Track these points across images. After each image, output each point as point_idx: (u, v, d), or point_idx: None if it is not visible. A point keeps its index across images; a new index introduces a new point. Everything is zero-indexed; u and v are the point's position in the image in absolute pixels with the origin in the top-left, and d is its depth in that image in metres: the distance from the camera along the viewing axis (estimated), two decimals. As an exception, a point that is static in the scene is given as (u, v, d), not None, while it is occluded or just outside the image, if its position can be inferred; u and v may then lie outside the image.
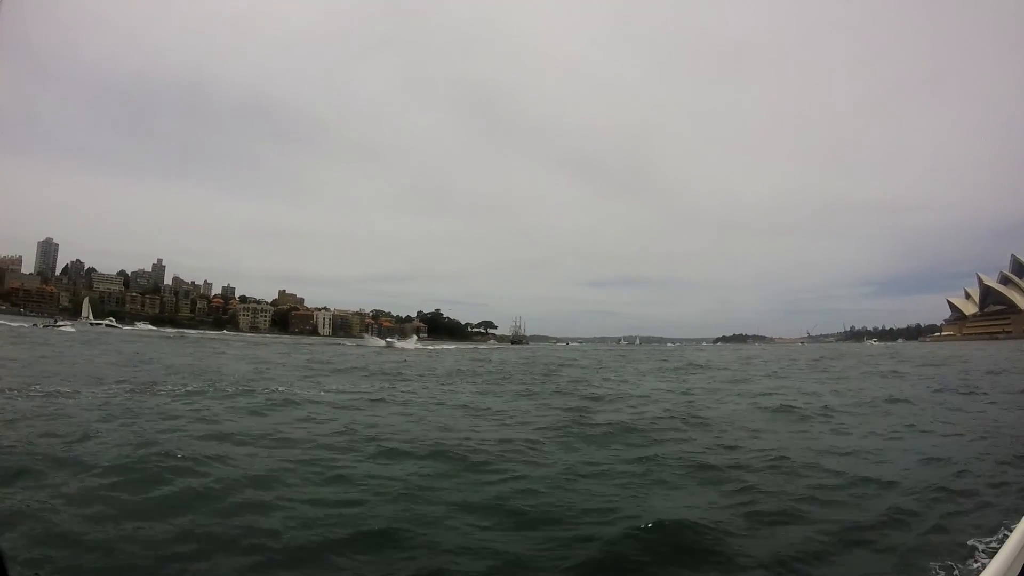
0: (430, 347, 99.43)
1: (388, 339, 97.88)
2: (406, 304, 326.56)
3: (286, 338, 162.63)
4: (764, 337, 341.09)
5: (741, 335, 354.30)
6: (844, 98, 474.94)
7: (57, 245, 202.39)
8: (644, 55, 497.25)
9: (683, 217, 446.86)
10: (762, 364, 56.75)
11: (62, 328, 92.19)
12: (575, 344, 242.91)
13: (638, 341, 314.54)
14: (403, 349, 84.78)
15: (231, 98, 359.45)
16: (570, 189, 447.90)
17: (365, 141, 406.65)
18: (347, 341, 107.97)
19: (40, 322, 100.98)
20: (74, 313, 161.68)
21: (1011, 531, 3.14)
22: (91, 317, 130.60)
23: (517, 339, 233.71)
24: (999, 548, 2.52)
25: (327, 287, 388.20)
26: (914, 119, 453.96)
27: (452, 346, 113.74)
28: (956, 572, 6.47)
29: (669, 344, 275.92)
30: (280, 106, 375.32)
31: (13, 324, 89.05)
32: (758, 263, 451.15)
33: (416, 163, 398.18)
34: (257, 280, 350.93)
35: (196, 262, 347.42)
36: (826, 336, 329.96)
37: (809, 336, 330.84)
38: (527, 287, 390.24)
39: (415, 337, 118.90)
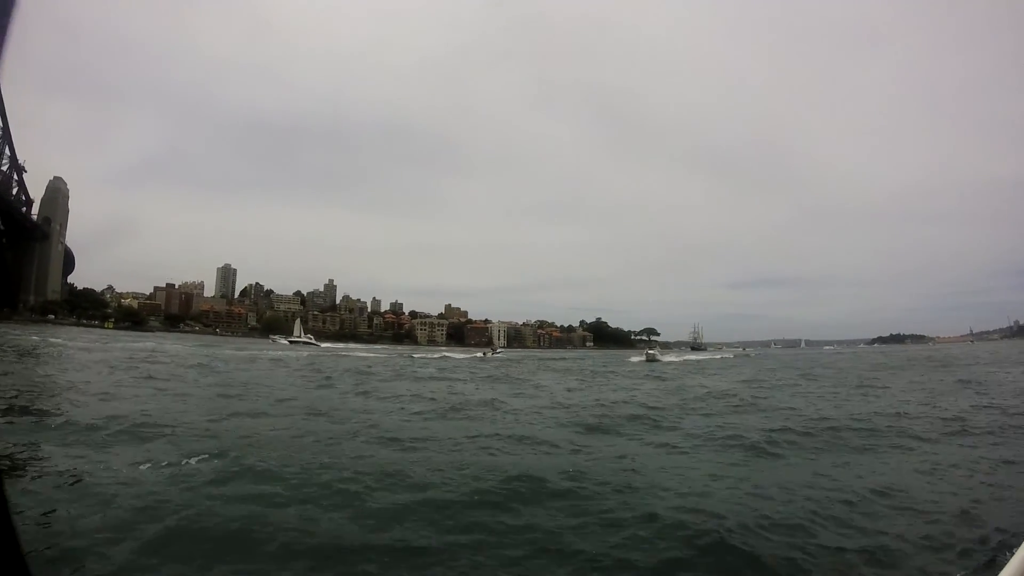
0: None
1: (649, 351, 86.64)
2: (544, 312, 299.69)
3: (537, 352, 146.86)
4: (923, 337, 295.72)
5: (898, 335, 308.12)
6: (986, 64, 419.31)
7: (235, 270, 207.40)
8: (765, 42, 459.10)
9: (821, 211, 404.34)
10: None
11: (499, 355, 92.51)
12: (751, 350, 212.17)
13: (803, 344, 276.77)
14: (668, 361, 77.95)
15: (366, 125, 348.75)
16: (702, 188, 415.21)
17: (496, 154, 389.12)
18: (635, 357, 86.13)
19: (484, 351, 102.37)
20: (264, 331, 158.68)
21: None
22: (301, 335, 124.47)
23: (697, 346, 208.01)
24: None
25: (467, 299, 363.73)
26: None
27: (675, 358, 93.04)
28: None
29: (827, 347, 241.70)
30: (412, 128, 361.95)
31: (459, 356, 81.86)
32: (903, 255, 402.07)
33: (547, 172, 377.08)
34: (402, 294, 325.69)
35: (348, 280, 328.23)
36: (989, 333, 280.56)
37: (972, 333, 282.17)
38: (663, 291, 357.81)
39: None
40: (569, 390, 29.05)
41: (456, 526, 7.21)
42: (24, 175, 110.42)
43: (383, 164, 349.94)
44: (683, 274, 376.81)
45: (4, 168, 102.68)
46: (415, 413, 17.85)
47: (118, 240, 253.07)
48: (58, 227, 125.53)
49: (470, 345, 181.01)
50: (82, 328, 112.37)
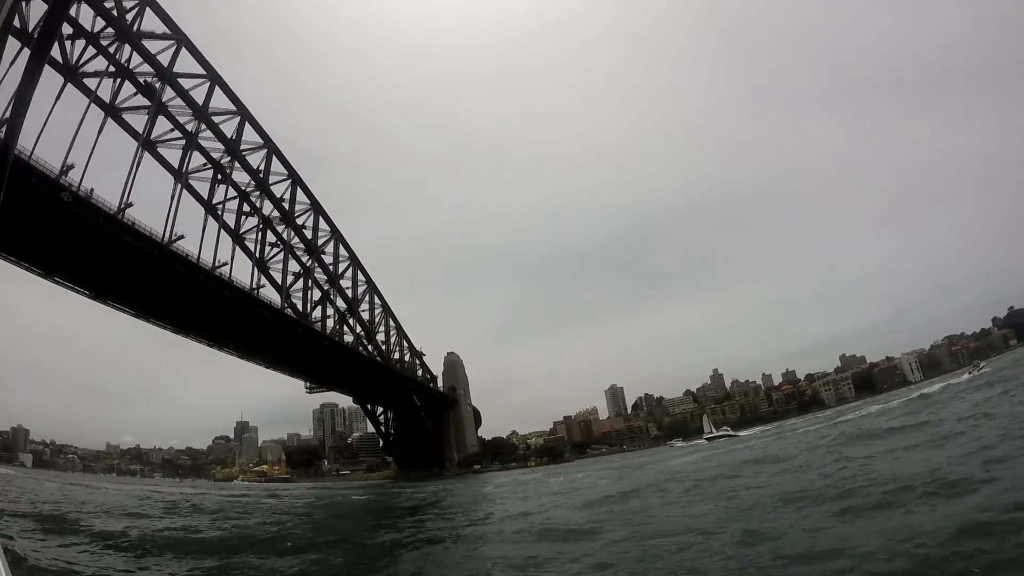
0: None
1: None
2: (936, 329, 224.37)
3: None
4: None
5: None
6: None
7: (622, 388, 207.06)
8: None
9: None
10: None
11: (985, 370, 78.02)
12: None
13: None
14: None
15: (673, 210, 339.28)
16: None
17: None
18: None
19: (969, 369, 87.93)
20: (667, 438, 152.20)
21: None
22: (713, 430, 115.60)
23: None
24: None
25: (850, 343, 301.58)
26: None
27: None
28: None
29: None
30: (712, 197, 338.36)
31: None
32: None
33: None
34: (789, 359, 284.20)
35: (732, 363, 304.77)
36: None
37: None
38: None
39: None
40: None
41: None
42: (424, 358, 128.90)
43: (711, 242, 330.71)
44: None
45: (407, 358, 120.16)
46: None
47: (507, 390, 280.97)
48: (462, 392, 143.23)
49: (884, 390, 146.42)
50: (512, 469, 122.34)
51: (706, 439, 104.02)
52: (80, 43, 48.48)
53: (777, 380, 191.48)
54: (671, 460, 54.77)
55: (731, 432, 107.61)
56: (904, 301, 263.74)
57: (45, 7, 37.88)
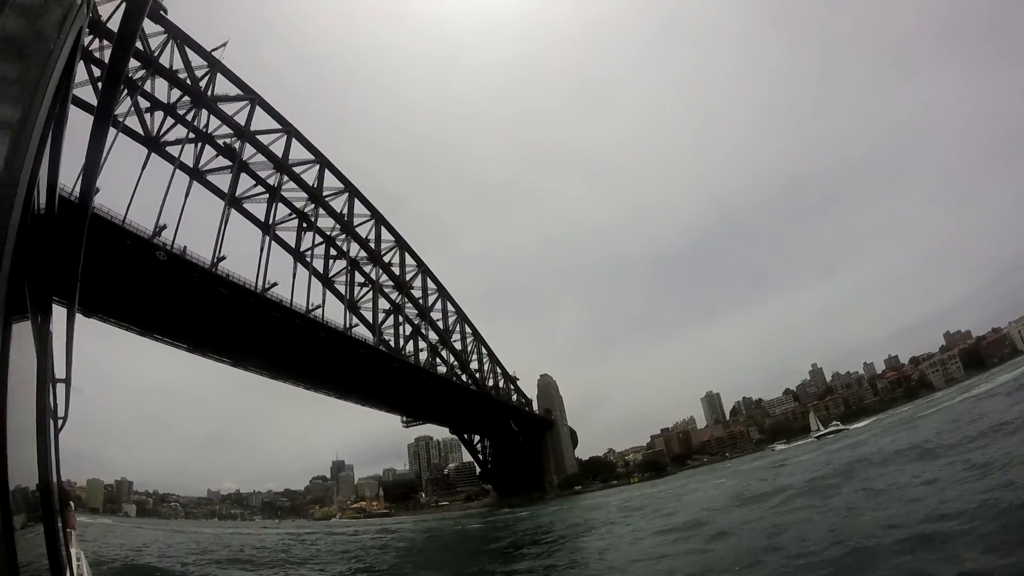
0: None
1: None
2: None
3: None
4: None
5: None
6: None
7: (718, 394, 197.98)
8: None
9: None
10: None
11: None
12: None
13: None
14: None
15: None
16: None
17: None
18: None
19: None
20: (770, 440, 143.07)
21: None
22: (820, 428, 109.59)
23: None
24: None
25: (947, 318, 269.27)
26: None
27: None
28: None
29: None
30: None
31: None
32: None
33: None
34: (889, 344, 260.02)
35: (831, 353, 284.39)
36: None
37: None
38: None
39: None
40: None
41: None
42: (517, 382, 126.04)
43: (791, 233, 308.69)
44: None
45: (501, 384, 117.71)
46: None
47: (600, 408, 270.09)
48: (558, 413, 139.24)
49: (994, 364, 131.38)
50: (613, 487, 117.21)
51: (815, 437, 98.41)
52: (159, 114, 49.97)
53: (880, 368, 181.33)
54: (800, 456, 51.54)
55: (841, 426, 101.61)
56: (1001, 265, 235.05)
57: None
